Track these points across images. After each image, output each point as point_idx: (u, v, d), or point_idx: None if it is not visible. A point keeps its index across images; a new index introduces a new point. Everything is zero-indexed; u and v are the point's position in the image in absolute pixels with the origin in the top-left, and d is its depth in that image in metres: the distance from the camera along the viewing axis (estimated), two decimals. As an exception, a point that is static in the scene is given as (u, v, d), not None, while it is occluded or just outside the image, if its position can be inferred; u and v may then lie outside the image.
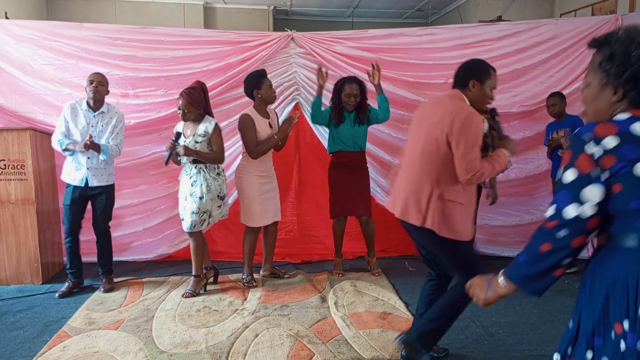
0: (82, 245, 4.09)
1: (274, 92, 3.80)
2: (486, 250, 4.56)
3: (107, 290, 3.74)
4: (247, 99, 4.31)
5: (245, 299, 3.61)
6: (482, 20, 6.95)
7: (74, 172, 3.62)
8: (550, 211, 1.31)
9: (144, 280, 4.01)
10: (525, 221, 4.52)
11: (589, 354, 1.30)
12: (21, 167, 3.80)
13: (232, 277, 4.08)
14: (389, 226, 4.58)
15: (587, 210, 1.25)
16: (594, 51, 1.39)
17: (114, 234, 4.36)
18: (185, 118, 3.56)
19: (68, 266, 3.77)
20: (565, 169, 1.30)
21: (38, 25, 4.26)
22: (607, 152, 1.24)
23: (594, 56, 1.38)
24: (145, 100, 4.22)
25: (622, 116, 1.29)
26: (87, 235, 4.15)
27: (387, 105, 3.96)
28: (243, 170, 3.80)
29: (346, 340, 2.97)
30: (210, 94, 4.16)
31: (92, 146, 3.51)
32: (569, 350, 1.37)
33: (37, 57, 4.15)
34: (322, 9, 9.70)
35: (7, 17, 6.01)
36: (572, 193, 1.27)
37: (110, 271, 3.87)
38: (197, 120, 3.58)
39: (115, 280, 3.97)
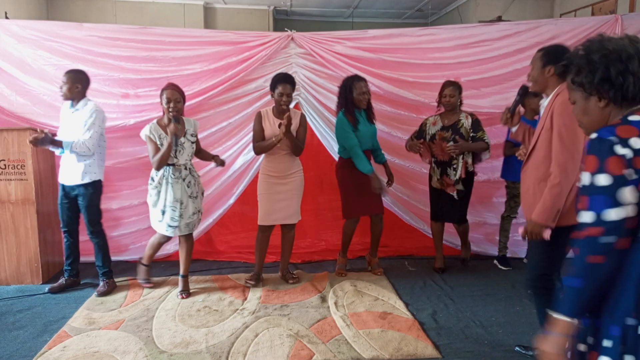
0: (81, 245, 4.10)
1: (284, 102, 3.63)
2: (487, 251, 4.56)
3: (100, 294, 3.65)
4: (247, 99, 4.34)
5: (245, 299, 3.61)
6: (482, 20, 6.96)
7: (61, 169, 3.65)
8: (588, 218, 1.28)
9: (144, 280, 4.01)
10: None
11: (607, 343, 1.30)
12: (21, 167, 3.80)
13: (232, 276, 4.08)
14: (388, 225, 4.60)
15: (630, 211, 1.26)
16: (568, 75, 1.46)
17: (114, 233, 4.38)
18: (179, 112, 3.47)
19: (66, 264, 3.79)
20: (595, 173, 1.28)
21: (38, 26, 4.25)
22: (637, 153, 1.26)
23: (567, 79, 1.46)
24: (146, 101, 4.22)
25: (636, 118, 1.32)
26: (84, 235, 4.14)
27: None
28: (260, 168, 3.89)
29: (346, 340, 2.97)
30: (210, 94, 4.20)
31: (38, 142, 3.35)
32: (590, 340, 1.36)
33: (37, 58, 4.15)
34: (322, 9, 9.71)
35: (7, 17, 6.01)
36: (611, 197, 1.26)
37: (107, 274, 3.76)
38: (178, 120, 3.47)
39: (116, 280, 3.97)
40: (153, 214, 3.63)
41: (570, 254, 1.37)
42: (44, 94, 4.16)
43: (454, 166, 3.96)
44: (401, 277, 4.07)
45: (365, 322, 3.21)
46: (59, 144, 3.49)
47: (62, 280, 3.76)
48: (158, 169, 3.48)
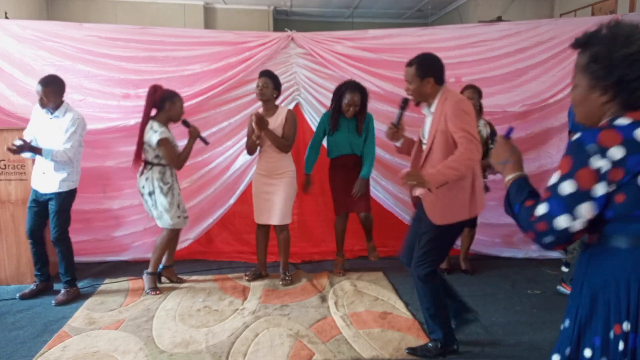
0: (81, 245, 4.11)
1: (258, 93, 3.70)
2: (488, 251, 4.56)
3: (58, 303, 3.50)
4: (247, 99, 4.33)
5: (246, 299, 3.61)
6: (482, 20, 6.96)
7: (34, 175, 3.56)
8: (542, 210, 1.28)
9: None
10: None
11: (588, 353, 1.29)
12: (21, 167, 3.80)
13: (232, 276, 4.08)
14: (389, 225, 4.60)
15: (578, 225, 1.25)
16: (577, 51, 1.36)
17: (115, 233, 4.38)
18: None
19: (36, 269, 3.68)
20: (564, 178, 1.25)
21: (38, 26, 4.26)
22: (615, 165, 1.21)
23: (579, 57, 1.35)
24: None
25: (623, 121, 1.25)
26: (85, 235, 4.16)
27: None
28: None
29: (346, 339, 2.97)
30: (210, 94, 4.20)
31: (21, 148, 3.30)
32: (567, 351, 1.35)
33: (38, 58, 4.15)
34: (322, 9, 9.70)
35: (7, 17, 6.01)
36: (567, 206, 1.24)
37: (70, 282, 3.62)
38: (188, 124, 3.74)
39: (116, 280, 3.97)
40: (172, 212, 3.65)
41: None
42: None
43: None
44: (401, 277, 4.06)
45: (365, 322, 3.21)
46: (38, 151, 3.37)
47: (33, 286, 3.68)
48: (181, 168, 3.70)
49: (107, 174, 4.29)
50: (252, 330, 3.11)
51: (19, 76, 4.14)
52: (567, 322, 1.38)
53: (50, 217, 3.56)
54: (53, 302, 3.56)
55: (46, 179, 3.49)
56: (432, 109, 2.64)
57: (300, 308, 3.44)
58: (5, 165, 3.79)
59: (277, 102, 3.88)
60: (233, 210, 4.56)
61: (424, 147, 2.68)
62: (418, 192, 2.70)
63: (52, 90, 3.42)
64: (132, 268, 4.27)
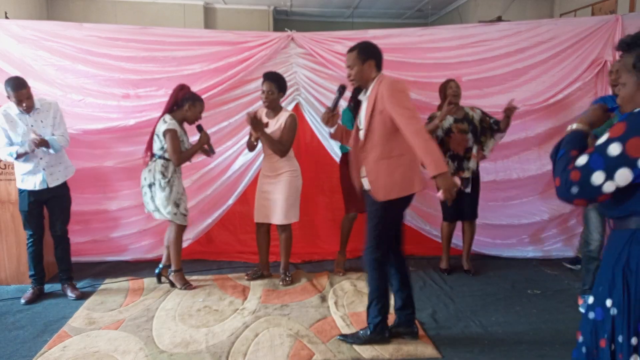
0: (80, 246, 4.11)
1: (263, 98, 3.70)
2: (488, 252, 4.55)
3: (79, 297, 3.61)
4: (247, 99, 4.33)
5: (246, 299, 3.61)
6: (482, 20, 6.96)
7: (32, 176, 3.48)
8: (582, 160, 1.33)
9: (144, 280, 4.01)
10: (527, 221, 4.52)
11: (634, 341, 1.29)
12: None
13: (232, 276, 4.08)
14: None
15: (609, 187, 1.29)
16: (619, 53, 1.44)
17: (113, 234, 4.38)
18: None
19: (32, 273, 3.63)
20: (614, 140, 1.30)
21: (38, 26, 4.25)
22: None
23: (625, 58, 1.41)
24: (146, 101, 4.22)
25: None
26: (84, 237, 4.15)
27: None
28: None
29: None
30: (210, 93, 4.19)
31: (43, 143, 3.37)
32: (620, 339, 1.32)
33: (38, 58, 4.14)
34: (322, 9, 9.71)
35: (7, 17, 6.01)
36: (608, 165, 1.28)
37: (72, 277, 3.74)
38: (202, 129, 3.81)
39: (115, 280, 3.98)
40: (169, 207, 3.65)
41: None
42: (43, 94, 4.16)
43: (468, 156, 3.95)
44: (401, 277, 4.06)
45: (365, 322, 3.20)
46: (47, 144, 3.42)
47: (33, 290, 3.64)
48: (179, 165, 3.69)
49: (106, 174, 4.29)
50: (252, 330, 3.11)
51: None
52: (613, 310, 1.33)
53: (56, 213, 3.62)
54: (73, 296, 3.62)
55: (52, 173, 3.53)
56: (368, 93, 2.75)
57: (300, 308, 3.44)
58: (5, 165, 3.79)
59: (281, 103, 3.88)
60: (233, 210, 4.56)
61: (362, 131, 2.79)
62: (362, 173, 2.79)
63: (28, 91, 3.40)
64: (132, 268, 4.27)
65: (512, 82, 4.38)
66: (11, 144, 3.44)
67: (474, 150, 3.97)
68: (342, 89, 2.85)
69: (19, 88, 3.34)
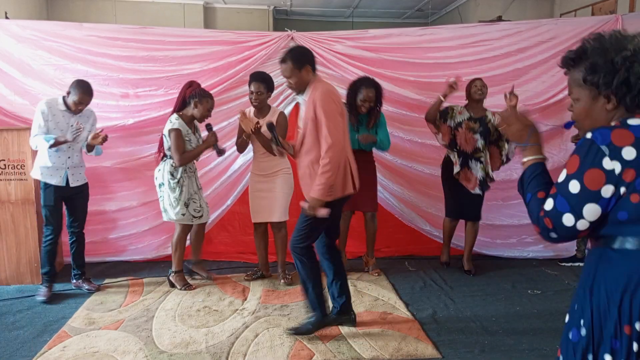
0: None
1: (253, 99, 3.70)
2: (489, 252, 4.55)
3: (95, 290, 3.72)
4: (246, 99, 4.30)
5: (245, 299, 3.61)
6: (482, 20, 6.96)
7: (54, 171, 3.51)
8: (548, 205, 1.28)
9: (144, 280, 4.00)
10: (527, 221, 4.50)
11: (608, 358, 1.27)
12: (21, 167, 3.80)
13: (232, 276, 4.07)
14: (389, 225, 4.59)
15: (582, 225, 1.25)
16: (564, 70, 1.39)
17: (112, 235, 4.38)
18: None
19: (47, 270, 3.61)
20: (571, 177, 1.25)
21: (38, 26, 4.25)
22: (627, 166, 1.20)
23: (573, 73, 1.36)
24: (146, 101, 4.22)
25: (635, 121, 1.25)
26: (90, 237, 4.13)
27: None
28: None
29: (346, 340, 2.97)
30: (210, 93, 4.18)
31: (104, 139, 3.53)
32: (590, 358, 1.31)
33: (37, 58, 4.14)
34: (322, 9, 9.71)
35: (7, 17, 6.01)
36: (572, 205, 1.24)
37: (85, 272, 3.82)
38: (211, 128, 3.78)
39: (115, 280, 3.97)
40: (178, 208, 3.65)
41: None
42: (43, 94, 4.15)
43: (481, 159, 3.94)
44: (401, 277, 4.07)
45: (366, 322, 3.20)
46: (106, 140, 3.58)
47: (49, 287, 3.63)
48: (181, 165, 3.63)
49: (105, 174, 4.28)
50: (252, 330, 3.11)
51: (18, 76, 4.14)
52: (583, 330, 1.32)
53: (77, 210, 3.70)
54: (92, 289, 3.72)
55: (78, 171, 3.63)
56: (305, 97, 2.84)
57: (300, 308, 3.43)
58: (5, 165, 3.79)
59: (276, 102, 3.87)
60: (232, 211, 4.56)
61: (299, 134, 2.91)
62: (323, 212, 2.80)
63: (90, 99, 3.55)
64: (132, 268, 4.27)
65: (513, 81, 4.37)
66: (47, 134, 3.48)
67: (486, 155, 3.94)
68: (271, 126, 3.08)
69: (87, 94, 3.48)
